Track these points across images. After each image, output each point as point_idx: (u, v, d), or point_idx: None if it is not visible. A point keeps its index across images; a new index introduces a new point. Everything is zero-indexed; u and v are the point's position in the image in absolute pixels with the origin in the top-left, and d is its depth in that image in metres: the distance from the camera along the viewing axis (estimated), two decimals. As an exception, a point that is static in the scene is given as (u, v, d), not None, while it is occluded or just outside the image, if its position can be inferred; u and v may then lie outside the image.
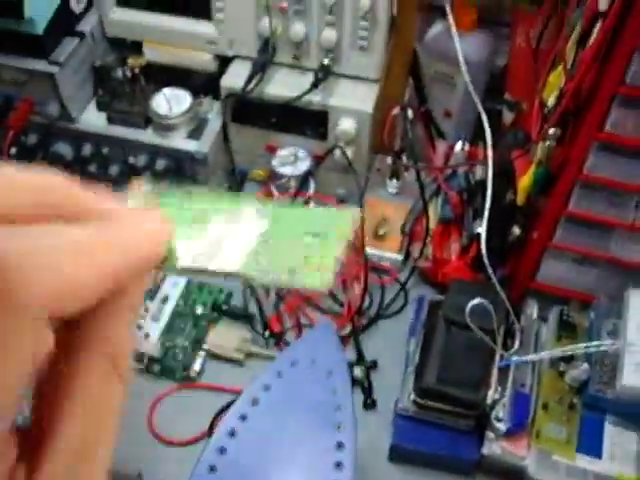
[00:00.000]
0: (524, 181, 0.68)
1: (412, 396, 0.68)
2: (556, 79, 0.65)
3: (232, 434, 0.58)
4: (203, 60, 0.82)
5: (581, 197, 0.65)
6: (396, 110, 0.77)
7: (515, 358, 0.69)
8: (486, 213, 0.68)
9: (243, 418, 0.59)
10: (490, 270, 0.67)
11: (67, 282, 0.22)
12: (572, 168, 0.63)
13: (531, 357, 0.68)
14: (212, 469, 0.57)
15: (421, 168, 0.77)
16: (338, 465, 0.57)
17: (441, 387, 0.67)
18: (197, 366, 0.75)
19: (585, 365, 0.67)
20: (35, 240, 0.22)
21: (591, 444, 0.67)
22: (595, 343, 0.66)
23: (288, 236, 0.31)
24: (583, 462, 0.66)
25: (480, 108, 0.76)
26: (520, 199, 0.69)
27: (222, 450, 0.58)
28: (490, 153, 0.71)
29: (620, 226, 0.66)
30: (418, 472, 0.70)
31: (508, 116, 0.85)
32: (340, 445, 0.58)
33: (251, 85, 0.78)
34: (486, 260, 0.66)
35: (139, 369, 0.74)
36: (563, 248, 0.69)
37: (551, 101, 0.64)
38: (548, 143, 0.63)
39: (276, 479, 0.57)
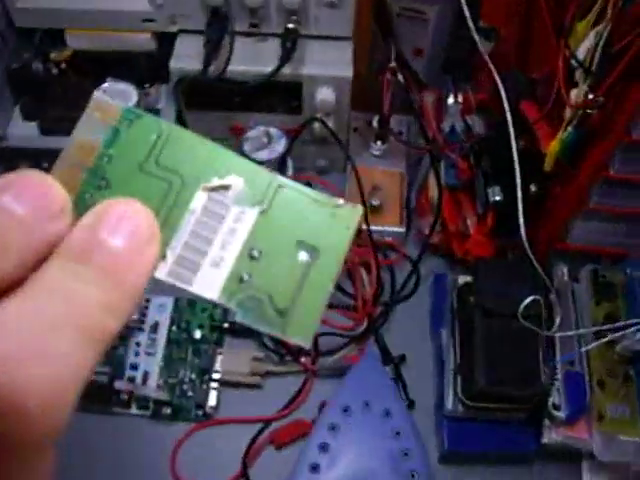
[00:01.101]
0: (553, 146, 0.60)
1: (460, 398, 0.62)
2: (585, 28, 0.56)
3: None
4: (140, 41, 0.68)
5: (622, 160, 0.58)
6: (388, 75, 0.66)
7: (559, 334, 0.63)
8: (518, 182, 0.60)
9: (308, 485, 0.52)
10: (527, 246, 0.60)
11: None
12: (616, 132, 0.55)
13: (594, 345, 0.62)
14: None
15: (434, 150, 0.68)
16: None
17: (495, 388, 0.61)
18: (212, 400, 0.66)
19: (639, 334, 0.62)
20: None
21: (654, 414, 0.63)
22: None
23: (280, 241, 0.27)
24: (650, 436, 0.62)
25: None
26: (548, 165, 0.61)
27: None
28: (507, 106, 0.62)
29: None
30: (474, 470, 0.65)
31: (486, 46, 0.76)
32: (420, 499, 0.52)
33: (211, 66, 0.65)
34: (525, 240, 0.59)
35: (146, 416, 0.66)
36: (599, 210, 0.63)
37: (581, 53, 0.55)
38: (589, 111, 0.55)
39: None
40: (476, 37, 0.67)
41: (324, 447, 0.52)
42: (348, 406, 0.54)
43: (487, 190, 0.66)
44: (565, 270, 0.68)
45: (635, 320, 0.61)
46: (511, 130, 0.62)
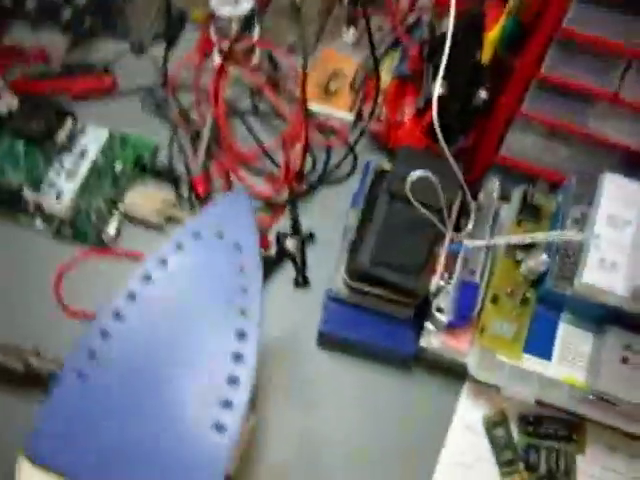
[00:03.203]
0: (492, 34, 0.56)
1: (344, 278, 0.60)
2: None
3: (117, 315, 0.50)
4: None
5: (557, 57, 0.54)
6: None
7: (466, 242, 0.60)
8: (443, 63, 0.57)
9: (132, 297, 0.51)
10: (440, 134, 0.56)
11: None
12: (549, 20, 0.52)
13: (480, 242, 0.59)
14: (92, 355, 0.49)
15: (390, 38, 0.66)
16: (237, 357, 0.49)
17: (375, 270, 0.58)
18: (112, 229, 0.66)
19: (544, 256, 0.58)
20: None
21: (541, 344, 0.59)
22: (555, 233, 0.57)
23: None
24: (530, 363, 0.58)
25: None
26: (486, 55, 0.58)
27: (104, 334, 0.50)
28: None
29: (601, 96, 0.55)
30: (349, 361, 0.63)
31: None
32: (242, 335, 0.50)
33: None
34: (436, 122, 0.55)
35: (48, 232, 0.66)
36: (533, 118, 0.59)
37: None
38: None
39: (164, 368, 0.49)
40: None
41: (163, 262, 0.51)
42: (199, 232, 0.52)
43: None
44: (497, 183, 0.64)
45: (543, 238, 0.58)
46: (451, 13, 0.58)
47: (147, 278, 0.51)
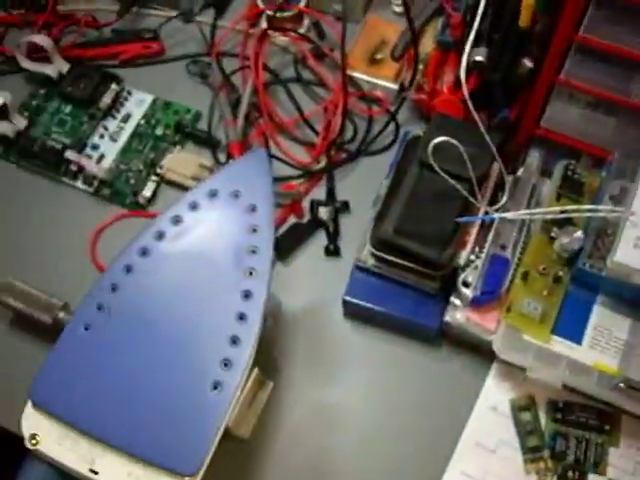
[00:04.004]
0: (529, -4, 0.54)
1: (369, 247, 0.59)
2: None
3: (128, 270, 0.51)
4: None
5: (598, 17, 0.51)
6: None
7: (496, 214, 0.57)
8: (475, 26, 0.55)
9: (144, 253, 0.51)
10: (469, 102, 0.54)
11: None
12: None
13: (509, 215, 0.56)
14: (100, 308, 0.50)
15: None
16: (241, 317, 0.49)
17: (398, 239, 0.56)
18: (148, 192, 0.67)
19: (579, 233, 0.55)
20: None
21: (572, 327, 0.56)
22: (588, 207, 0.54)
23: None
24: (559, 346, 0.55)
25: None
26: (523, 19, 0.55)
27: (114, 287, 0.50)
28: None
29: (643, 61, 0.52)
30: (374, 333, 0.61)
31: None
32: (247, 295, 0.49)
33: None
34: (465, 89, 0.53)
35: (88, 192, 0.68)
36: (573, 85, 0.56)
37: None
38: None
39: (168, 323, 0.49)
40: None
41: (177, 220, 0.51)
42: (216, 190, 0.52)
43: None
44: (537, 157, 0.61)
45: (575, 212, 0.55)
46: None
47: (160, 234, 0.51)
